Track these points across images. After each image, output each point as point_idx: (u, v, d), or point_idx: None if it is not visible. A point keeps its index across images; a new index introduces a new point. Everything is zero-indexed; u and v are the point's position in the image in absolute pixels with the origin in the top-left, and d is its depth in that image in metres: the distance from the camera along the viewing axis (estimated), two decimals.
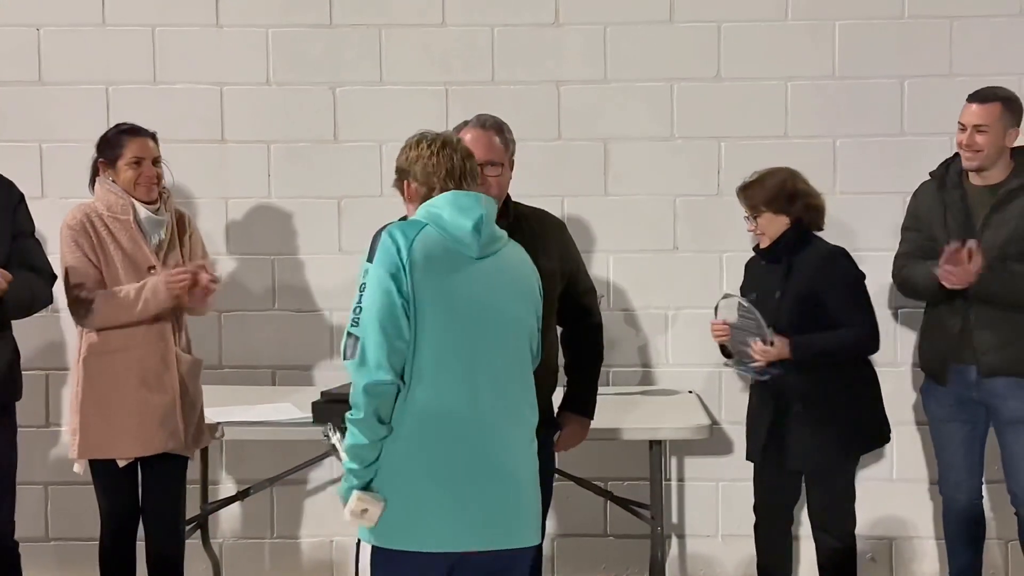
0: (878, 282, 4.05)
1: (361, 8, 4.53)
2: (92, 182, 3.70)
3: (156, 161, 3.68)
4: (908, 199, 4.05)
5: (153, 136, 3.71)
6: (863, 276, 3.79)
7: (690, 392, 4.44)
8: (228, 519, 4.65)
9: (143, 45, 4.54)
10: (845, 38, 4.46)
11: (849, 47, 4.46)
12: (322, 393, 3.94)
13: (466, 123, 3.46)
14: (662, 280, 4.55)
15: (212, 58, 4.55)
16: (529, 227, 3.38)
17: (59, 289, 3.66)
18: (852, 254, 3.81)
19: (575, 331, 3.58)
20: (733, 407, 4.43)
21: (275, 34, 4.55)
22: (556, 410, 3.51)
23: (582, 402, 3.55)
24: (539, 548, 3.45)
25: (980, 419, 3.91)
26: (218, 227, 4.53)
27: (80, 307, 3.59)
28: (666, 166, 4.50)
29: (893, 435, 3.93)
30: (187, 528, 3.99)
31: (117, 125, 3.73)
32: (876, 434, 3.87)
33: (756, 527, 3.96)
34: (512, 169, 3.47)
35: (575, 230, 4.47)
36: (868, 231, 4.34)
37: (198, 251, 3.81)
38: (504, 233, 2.84)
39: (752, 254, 3.94)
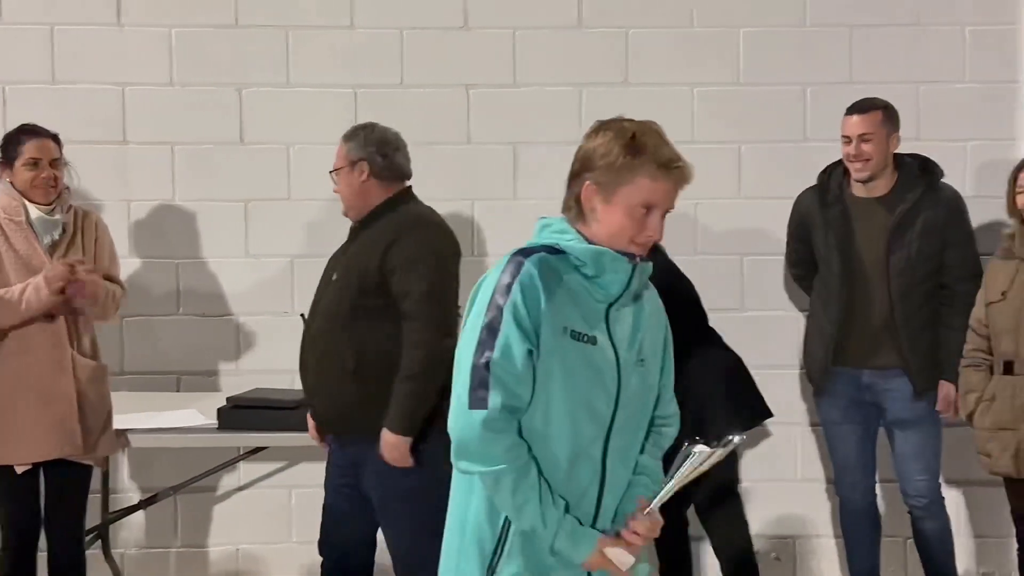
0: (788, 285, 4.13)
1: (267, 9, 4.47)
2: None
3: (54, 163, 3.60)
4: (795, 201, 4.15)
5: (54, 137, 3.64)
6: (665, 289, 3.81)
7: None
8: (131, 528, 4.55)
9: (41, 44, 4.42)
10: (749, 45, 4.53)
11: (753, 54, 4.53)
12: (228, 399, 3.89)
13: None
14: None
15: (113, 58, 4.45)
16: (367, 224, 3.45)
17: None
18: (757, 258, 3.89)
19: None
20: None
21: (178, 34, 4.47)
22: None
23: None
24: None
25: (872, 419, 4.03)
26: (121, 230, 4.43)
27: None
28: None
29: (795, 435, 4.01)
30: (88, 538, 3.91)
31: (20, 126, 3.65)
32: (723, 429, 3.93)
33: None
34: (365, 172, 3.46)
35: (484, 234, 4.51)
36: (772, 235, 4.42)
37: (104, 254, 3.74)
38: None
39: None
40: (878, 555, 4.15)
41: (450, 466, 3.43)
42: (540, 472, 2.25)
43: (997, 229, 4.09)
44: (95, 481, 4.03)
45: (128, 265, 4.39)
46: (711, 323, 4.00)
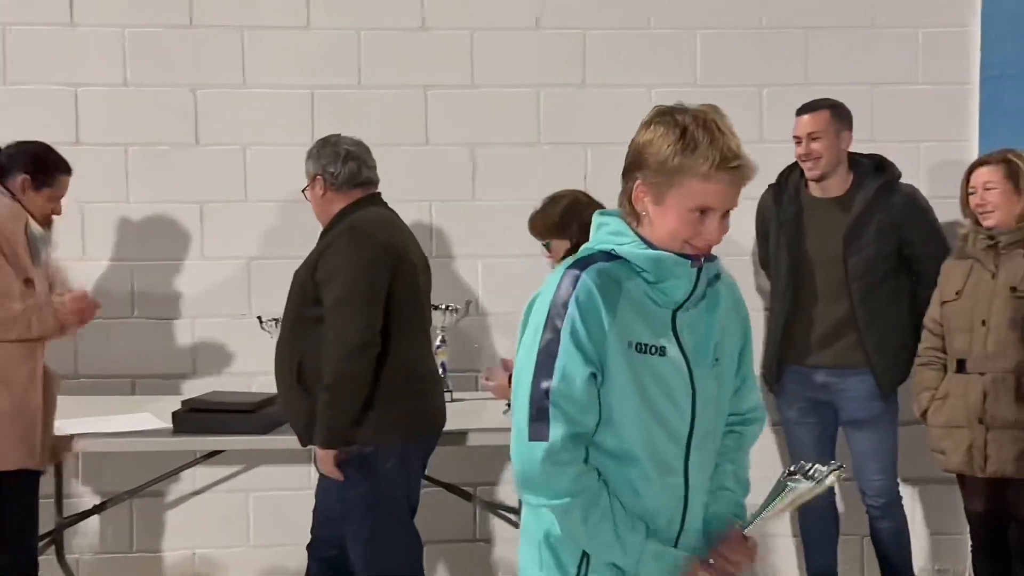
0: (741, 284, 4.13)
1: (223, 9, 4.44)
2: None
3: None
4: (758, 203, 4.19)
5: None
6: None
7: None
8: (85, 533, 4.50)
9: None
10: (706, 47, 4.55)
11: (710, 56, 4.55)
12: (183, 402, 3.85)
13: None
14: (529, 285, 4.53)
15: (66, 58, 4.40)
16: (325, 234, 3.49)
17: None
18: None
19: None
20: None
21: (132, 34, 4.42)
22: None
23: None
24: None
25: (829, 419, 4.06)
26: (74, 232, 4.38)
27: None
28: (533, 171, 4.53)
29: None
30: (41, 543, 3.86)
31: (54, 156, 3.71)
32: None
33: None
34: (324, 186, 3.51)
35: (443, 235, 4.50)
36: (730, 235, 4.43)
37: (50, 266, 3.77)
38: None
39: None
40: (836, 554, 4.18)
41: (403, 479, 3.42)
42: (614, 497, 2.09)
43: (950, 230, 4.13)
44: (48, 486, 3.99)
45: (82, 268, 4.34)
46: None
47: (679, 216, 2.08)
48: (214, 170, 4.46)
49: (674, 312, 2.12)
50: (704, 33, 4.54)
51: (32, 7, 4.38)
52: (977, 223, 3.72)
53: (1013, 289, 3.60)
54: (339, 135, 3.59)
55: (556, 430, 2.04)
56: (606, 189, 4.18)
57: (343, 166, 3.50)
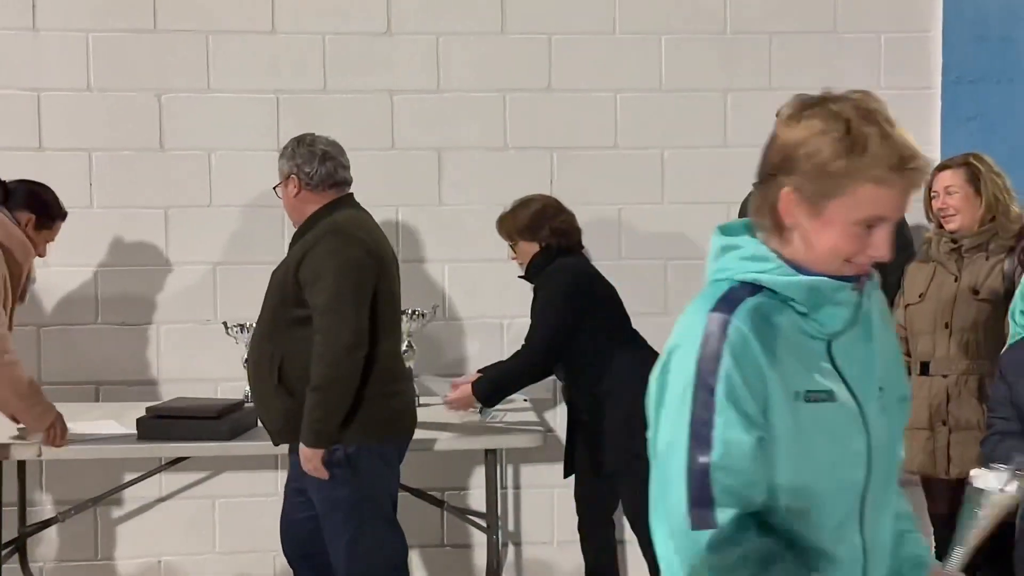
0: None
1: (186, 13, 4.42)
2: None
3: None
4: (732, 209, 4.20)
5: None
6: (567, 290, 3.83)
7: (524, 400, 4.47)
8: (48, 541, 4.46)
9: None
10: (671, 52, 4.57)
11: (675, 60, 4.57)
12: (147, 408, 3.83)
13: None
14: (496, 289, 4.57)
15: (28, 63, 4.37)
16: (299, 236, 3.47)
17: None
18: (678, 262, 3.92)
19: None
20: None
21: (96, 39, 4.39)
22: None
23: None
24: None
25: None
26: None
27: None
28: (499, 176, 4.53)
29: None
30: (5, 551, 3.83)
31: (56, 199, 3.82)
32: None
33: (581, 535, 4.05)
34: (299, 184, 3.48)
35: (409, 239, 4.50)
36: (693, 240, 4.46)
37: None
38: None
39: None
40: None
41: (384, 478, 3.41)
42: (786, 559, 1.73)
43: (916, 233, 4.17)
44: (11, 493, 3.96)
45: (45, 273, 4.31)
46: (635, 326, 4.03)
47: (843, 230, 1.70)
48: (179, 175, 4.44)
49: (828, 342, 1.76)
50: (668, 38, 4.56)
51: None
52: (940, 227, 3.76)
53: (975, 292, 3.63)
54: (314, 134, 3.54)
55: (723, 514, 1.67)
56: (571, 193, 4.24)
57: (319, 166, 3.47)
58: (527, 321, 4.48)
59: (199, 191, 4.44)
